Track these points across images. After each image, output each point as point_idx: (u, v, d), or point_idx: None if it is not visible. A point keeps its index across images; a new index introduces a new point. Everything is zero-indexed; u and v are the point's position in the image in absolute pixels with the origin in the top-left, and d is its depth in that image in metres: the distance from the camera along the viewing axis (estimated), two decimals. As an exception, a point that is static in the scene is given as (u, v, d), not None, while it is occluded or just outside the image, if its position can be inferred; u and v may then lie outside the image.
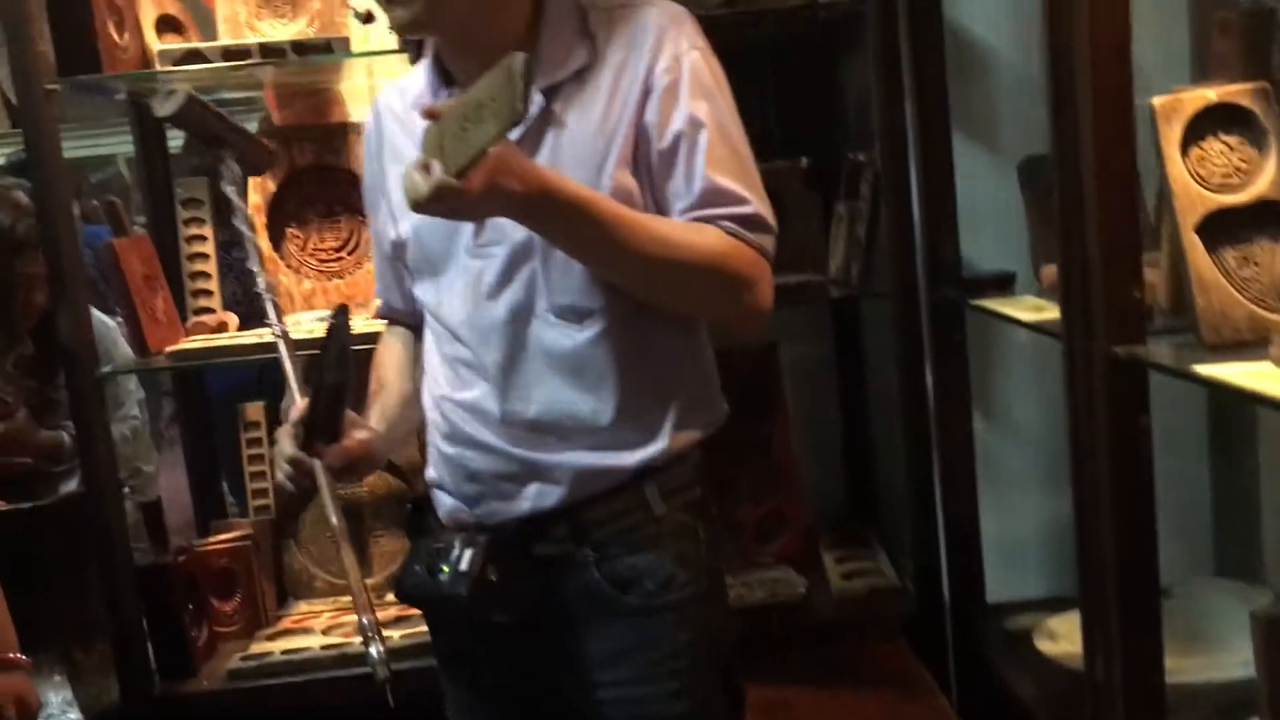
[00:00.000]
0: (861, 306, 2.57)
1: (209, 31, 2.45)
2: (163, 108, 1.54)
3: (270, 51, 2.24)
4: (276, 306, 1.53)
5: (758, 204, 1.37)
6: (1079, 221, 1.42)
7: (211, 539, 2.47)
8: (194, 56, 2.23)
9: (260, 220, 2.51)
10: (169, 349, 2.32)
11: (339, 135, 2.52)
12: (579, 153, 1.35)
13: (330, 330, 1.41)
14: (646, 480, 1.40)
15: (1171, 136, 1.38)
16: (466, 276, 1.41)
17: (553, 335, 1.38)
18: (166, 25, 2.41)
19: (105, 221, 2.67)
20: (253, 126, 2.75)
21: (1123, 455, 1.42)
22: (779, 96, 2.65)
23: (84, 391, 2.19)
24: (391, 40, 2.42)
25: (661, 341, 1.41)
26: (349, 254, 2.55)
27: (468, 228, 1.39)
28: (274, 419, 2.57)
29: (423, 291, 1.49)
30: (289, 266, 2.54)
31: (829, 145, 2.56)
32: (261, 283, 1.54)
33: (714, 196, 1.35)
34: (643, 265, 1.33)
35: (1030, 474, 2.29)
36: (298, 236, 2.56)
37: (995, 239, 2.19)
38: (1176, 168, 1.37)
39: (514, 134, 1.30)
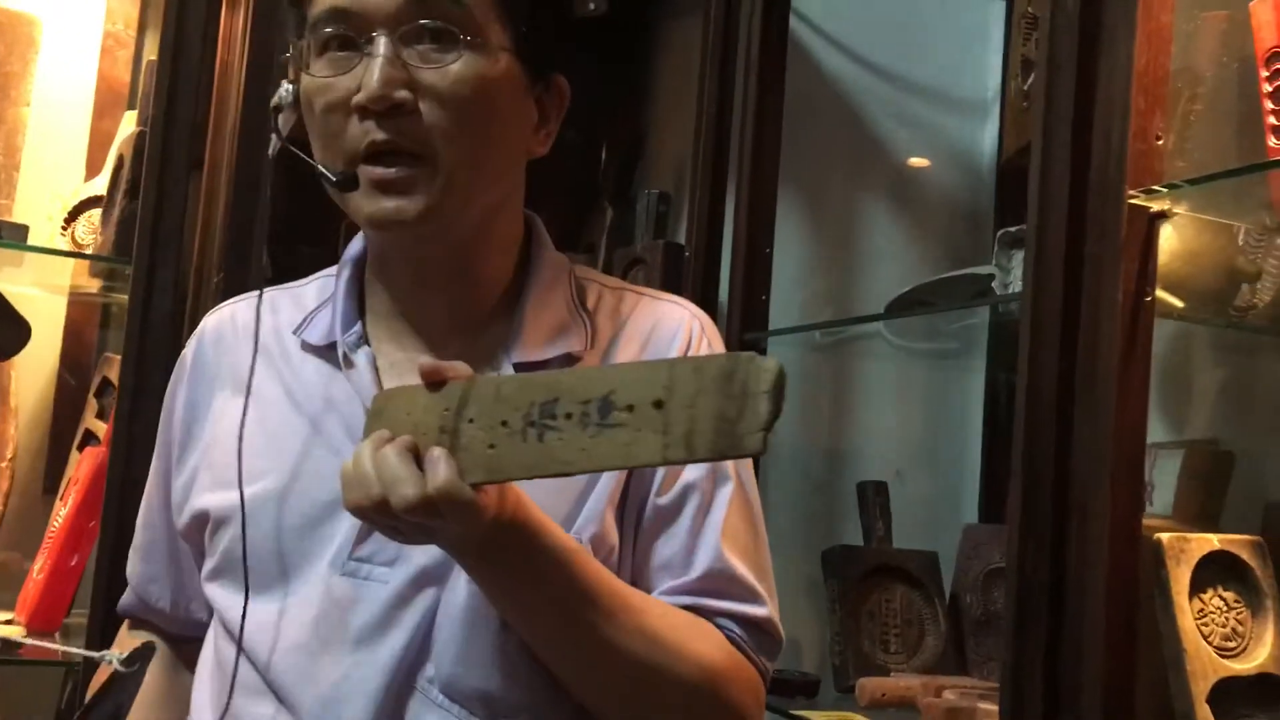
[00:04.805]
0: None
1: None
2: None
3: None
4: None
5: (771, 606, 0.99)
6: (1072, 668, 1.16)
7: None
8: None
9: None
10: None
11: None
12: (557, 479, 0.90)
13: (110, 681, 0.87)
14: None
15: (1181, 582, 1.17)
16: (324, 605, 0.90)
17: None
18: None
19: None
20: None
21: None
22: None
23: None
24: (88, 240, 1.86)
25: None
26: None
27: (342, 527, 0.90)
28: None
29: (224, 598, 0.95)
30: None
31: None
32: None
33: (724, 583, 0.95)
34: (614, 664, 0.88)
35: None
36: None
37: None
38: (1188, 620, 1.16)
39: None
